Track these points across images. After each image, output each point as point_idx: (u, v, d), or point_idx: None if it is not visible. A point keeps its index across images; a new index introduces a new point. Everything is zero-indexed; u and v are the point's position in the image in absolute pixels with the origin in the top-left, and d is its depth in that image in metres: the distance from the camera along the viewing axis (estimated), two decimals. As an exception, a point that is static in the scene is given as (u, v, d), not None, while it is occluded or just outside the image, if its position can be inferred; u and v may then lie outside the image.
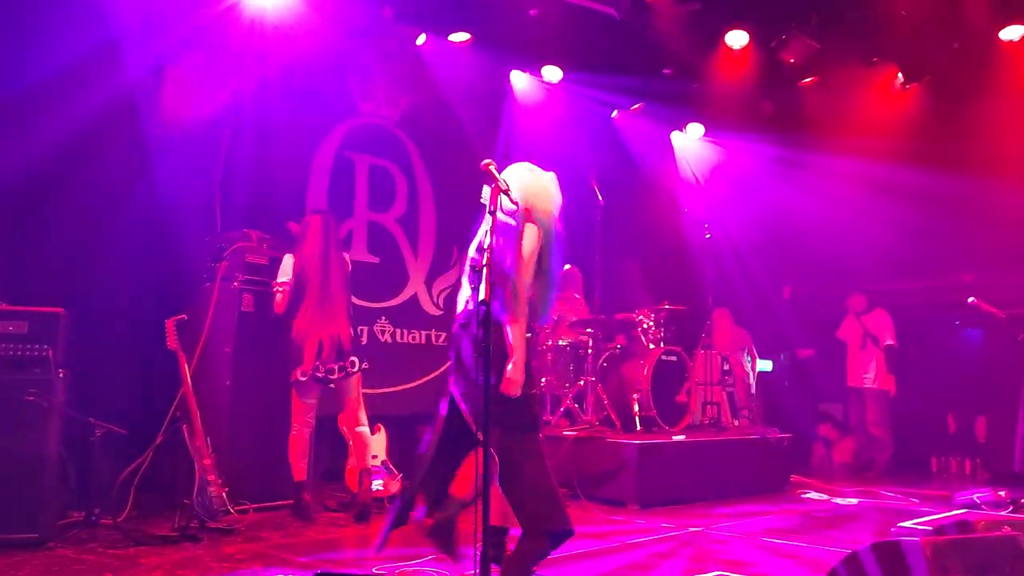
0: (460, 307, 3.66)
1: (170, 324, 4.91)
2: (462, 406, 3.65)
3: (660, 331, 7.79)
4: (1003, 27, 7.45)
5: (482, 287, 2.90)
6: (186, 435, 4.85)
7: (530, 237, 3.48)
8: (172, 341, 4.90)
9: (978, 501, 6.27)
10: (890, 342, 8.65)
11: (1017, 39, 7.50)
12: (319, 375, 5.31)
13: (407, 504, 3.60)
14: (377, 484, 5.75)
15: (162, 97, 6.02)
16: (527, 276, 3.46)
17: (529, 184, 3.63)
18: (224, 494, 4.89)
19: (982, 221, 8.27)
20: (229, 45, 6.31)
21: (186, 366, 4.95)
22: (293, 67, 6.69)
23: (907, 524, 5.02)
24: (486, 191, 3.30)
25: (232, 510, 4.95)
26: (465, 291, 3.61)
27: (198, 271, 5.73)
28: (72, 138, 5.38)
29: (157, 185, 5.84)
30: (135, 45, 5.69)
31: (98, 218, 5.63)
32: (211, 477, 4.84)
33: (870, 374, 8.73)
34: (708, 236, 8.02)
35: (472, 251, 3.62)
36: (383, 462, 5.92)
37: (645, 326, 7.71)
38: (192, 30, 6.01)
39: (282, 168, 6.84)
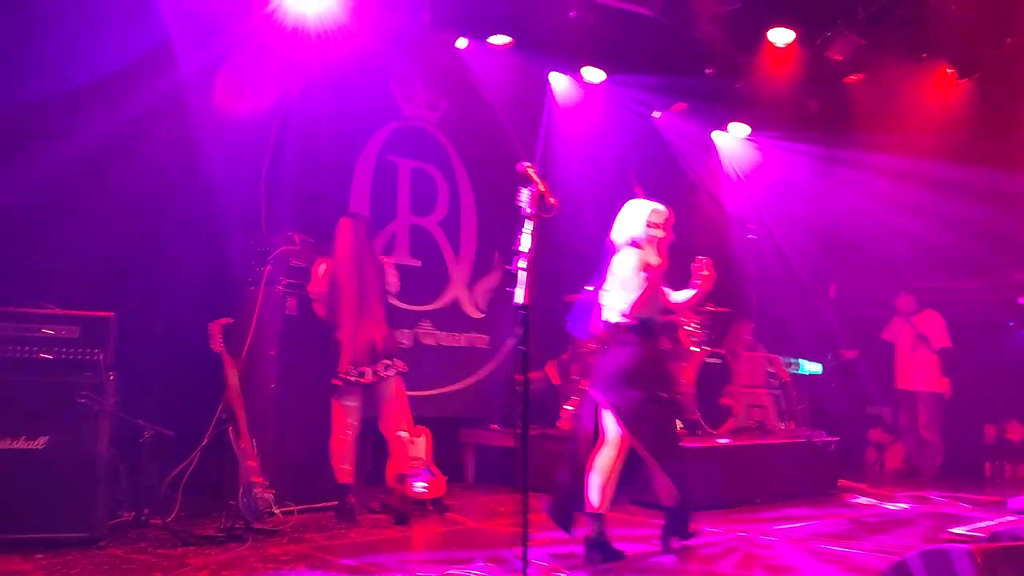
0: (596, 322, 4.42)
1: (215, 327, 4.99)
2: (603, 407, 4.38)
3: (704, 333, 7.70)
4: (1058, 19, 7.25)
5: (519, 290, 2.90)
6: (232, 437, 4.92)
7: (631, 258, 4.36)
8: (217, 344, 4.98)
9: (1034, 508, 6.10)
10: (946, 344, 8.40)
11: (1073, 32, 7.29)
12: (351, 379, 5.36)
13: (571, 496, 4.33)
14: (420, 486, 5.77)
15: (208, 100, 6.12)
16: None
17: (628, 214, 4.52)
18: (269, 495, 4.94)
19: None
20: (272, 51, 6.40)
21: (232, 369, 5.02)
22: (335, 71, 6.77)
23: (959, 530, 4.90)
24: (525, 194, 3.30)
25: (277, 511, 5.00)
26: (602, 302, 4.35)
27: (243, 274, 5.80)
28: (120, 140, 5.54)
29: (203, 188, 5.95)
30: (183, 49, 5.82)
31: (146, 222, 5.76)
32: (256, 479, 4.90)
33: (922, 376, 8.49)
34: (753, 236, 7.92)
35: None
36: (426, 465, 5.93)
37: (689, 328, 7.64)
38: (237, 36, 6.11)
39: (326, 171, 6.92)
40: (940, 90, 8.21)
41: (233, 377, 5.01)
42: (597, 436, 4.40)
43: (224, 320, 5.06)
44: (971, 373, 8.51)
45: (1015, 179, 7.95)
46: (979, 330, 8.89)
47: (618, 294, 4.32)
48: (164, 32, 5.72)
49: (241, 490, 4.83)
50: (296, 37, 6.52)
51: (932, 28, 7.39)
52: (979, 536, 4.61)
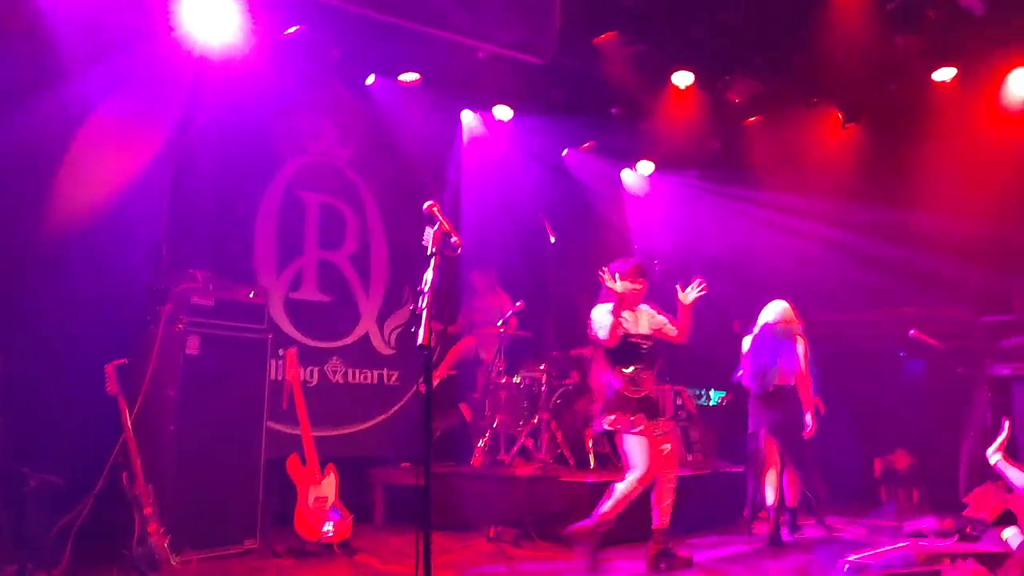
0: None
1: (110, 368, 4.82)
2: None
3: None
4: (936, 69, 7.72)
5: (421, 331, 2.89)
6: (125, 483, 4.72)
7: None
8: (112, 386, 4.81)
9: (925, 531, 6.36)
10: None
11: (949, 80, 7.77)
12: None
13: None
14: (328, 527, 5.66)
15: (104, 132, 5.91)
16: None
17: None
18: (166, 543, 4.76)
19: (923, 255, 8.47)
20: (174, 81, 6.24)
21: (127, 411, 4.84)
22: (239, 106, 6.65)
23: (854, 558, 5.05)
24: (428, 233, 3.31)
25: (174, 560, 4.81)
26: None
27: (141, 313, 5.61)
28: (7, 173, 5.29)
29: (97, 224, 5.74)
30: (76, 71, 5.60)
31: (34, 259, 5.51)
32: (152, 526, 4.71)
33: None
34: (659, 270, 8.09)
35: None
36: (333, 505, 5.82)
37: (598, 362, 7.74)
38: (136, 64, 5.92)
39: (230, 206, 6.79)
40: (832, 133, 8.62)
41: (128, 420, 4.83)
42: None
43: (119, 361, 4.88)
44: (866, 402, 8.86)
45: (904, 218, 8.38)
46: (873, 361, 9.28)
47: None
48: (55, 52, 5.50)
49: (136, 538, 4.65)
50: (198, 69, 6.39)
51: (822, 75, 7.77)
52: (873, 564, 4.78)
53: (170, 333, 5.43)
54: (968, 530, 6.31)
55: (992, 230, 8.17)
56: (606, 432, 5.57)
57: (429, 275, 3.14)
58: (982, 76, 7.69)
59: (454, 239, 3.34)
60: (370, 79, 7.67)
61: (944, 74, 7.75)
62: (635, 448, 5.23)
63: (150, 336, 5.43)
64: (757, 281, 9.52)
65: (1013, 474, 4.32)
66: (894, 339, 8.71)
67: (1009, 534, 3.23)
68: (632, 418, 5.24)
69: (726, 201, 9.78)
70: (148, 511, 4.74)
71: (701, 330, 9.58)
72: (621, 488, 5.20)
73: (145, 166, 6.13)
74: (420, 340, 2.88)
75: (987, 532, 6.00)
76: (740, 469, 7.70)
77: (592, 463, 7.07)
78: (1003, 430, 4.85)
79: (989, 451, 4.74)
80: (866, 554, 5.29)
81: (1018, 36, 7.25)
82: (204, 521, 5.36)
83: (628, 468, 5.26)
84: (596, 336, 5.34)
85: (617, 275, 5.46)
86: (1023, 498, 3.42)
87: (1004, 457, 3.73)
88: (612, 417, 5.27)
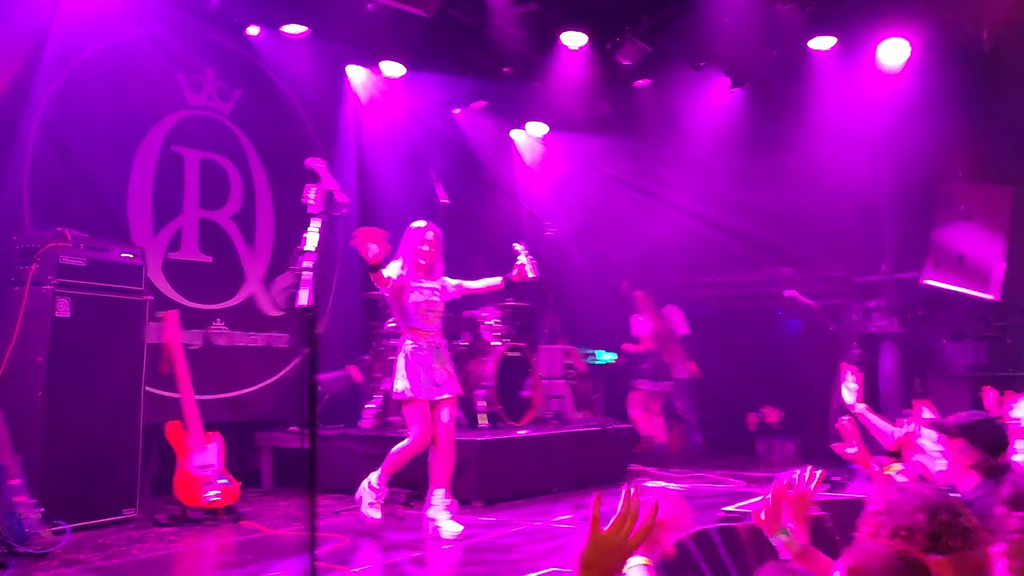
0: None
1: (-31, 334, 4.50)
2: None
3: (505, 327, 7.87)
4: (814, 37, 7.98)
5: (303, 292, 2.81)
6: (-10, 454, 4.46)
7: None
8: (-28, 352, 4.50)
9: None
10: (686, 332, 9.12)
11: (827, 49, 8.06)
12: None
13: None
14: (213, 494, 5.52)
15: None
16: None
17: None
18: (36, 515, 4.53)
19: (802, 217, 8.84)
20: (41, 18, 5.81)
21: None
22: (111, 55, 6.27)
23: (731, 508, 5.28)
24: (312, 191, 3.19)
25: (45, 533, 4.58)
26: None
27: (4, 274, 5.27)
28: None
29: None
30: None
31: None
32: (20, 498, 4.47)
33: (672, 365, 9.18)
34: (550, 233, 8.14)
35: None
36: (219, 471, 5.67)
37: (490, 323, 7.77)
38: None
39: (101, 162, 6.40)
40: (718, 97, 8.83)
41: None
42: None
43: (-21, 325, 4.57)
44: (745, 358, 9.26)
45: (786, 179, 8.71)
46: (752, 319, 9.68)
47: None
48: None
49: (2, 511, 4.39)
50: (63, 14, 5.96)
51: (709, 39, 7.91)
52: (746, 512, 5.01)
53: (37, 295, 5.12)
54: (835, 479, 6.72)
55: (863, 194, 8.60)
56: None
57: (314, 236, 3.04)
58: (857, 45, 8.00)
59: (340, 197, 3.25)
60: (253, 30, 7.34)
61: (822, 43, 8.02)
62: None
63: (14, 298, 5.11)
64: (646, 242, 9.77)
65: (877, 422, 4.53)
66: (773, 298, 9.12)
67: (895, 469, 3.44)
68: None
69: (616, 163, 9.93)
70: (15, 482, 4.50)
71: (590, 291, 9.85)
72: None
73: (5, 110, 5.71)
74: (303, 300, 2.80)
75: (853, 480, 6.39)
76: (626, 425, 7.95)
77: (484, 422, 7.13)
78: (857, 382, 4.91)
79: (855, 402, 4.84)
80: (741, 504, 5.55)
81: (890, 8, 7.58)
82: (79, 491, 5.13)
83: None
84: None
85: None
86: (912, 439, 3.62)
87: (867, 408, 3.94)
88: None
